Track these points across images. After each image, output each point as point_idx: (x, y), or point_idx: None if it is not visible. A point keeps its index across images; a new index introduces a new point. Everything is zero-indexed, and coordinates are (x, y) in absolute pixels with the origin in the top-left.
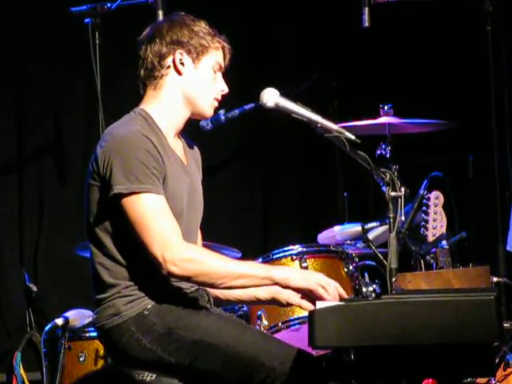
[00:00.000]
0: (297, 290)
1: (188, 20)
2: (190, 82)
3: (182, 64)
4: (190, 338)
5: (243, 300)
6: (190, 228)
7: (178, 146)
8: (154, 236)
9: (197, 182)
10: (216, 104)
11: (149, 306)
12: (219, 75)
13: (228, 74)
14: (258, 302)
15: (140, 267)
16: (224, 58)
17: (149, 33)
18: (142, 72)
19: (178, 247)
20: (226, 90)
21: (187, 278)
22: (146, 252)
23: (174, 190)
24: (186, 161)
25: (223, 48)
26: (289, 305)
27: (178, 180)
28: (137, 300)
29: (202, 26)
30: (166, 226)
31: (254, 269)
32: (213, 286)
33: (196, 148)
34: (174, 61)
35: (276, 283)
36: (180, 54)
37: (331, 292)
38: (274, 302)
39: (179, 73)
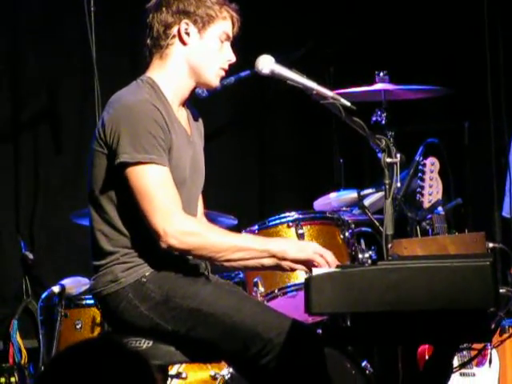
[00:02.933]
0: (294, 261)
1: None
2: (196, 52)
3: (188, 34)
4: (187, 307)
5: (248, 266)
6: (191, 197)
7: (182, 115)
8: (155, 208)
9: (199, 151)
10: (222, 73)
11: (147, 274)
12: (226, 44)
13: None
14: (262, 268)
15: (140, 236)
16: (232, 28)
17: (156, 1)
18: (148, 40)
19: (178, 220)
20: (233, 59)
21: (186, 251)
22: (146, 223)
23: (178, 159)
24: (190, 130)
25: (231, 17)
26: (292, 270)
27: (182, 150)
28: (135, 267)
29: None
30: (168, 198)
31: (252, 242)
32: (211, 259)
33: (200, 118)
34: (179, 30)
35: (273, 256)
36: (186, 24)
37: (330, 259)
38: (277, 267)
39: (184, 43)
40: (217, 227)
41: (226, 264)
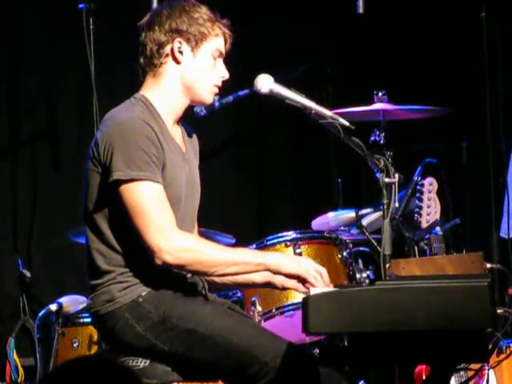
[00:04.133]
0: (288, 275)
1: (188, 6)
2: (189, 71)
3: (181, 53)
4: (183, 328)
5: (239, 283)
6: (187, 215)
7: (176, 133)
8: (150, 225)
9: (194, 169)
10: (216, 90)
11: (144, 294)
12: (220, 61)
13: (223, 60)
14: (253, 286)
15: (136, 254)
16: (225, 44)
17: (148, 19)
18: (141, 59)
19: (172, 236)
20: (226, 75)
21: (181, 267)
22: (140, 240)
23: (173, 177)
24: (185, 148)
25: (223, 34)
26: (284, 288)
27: (177, 167)
28: (132, 287)
29: (202, 12)
30: (162, 215)
31: (248, 256)
32: (206, 274)
33: (194, 135)
34: (172, 49)
35: (268, 269)
36: (179, 43)
37: (324, 279)
38: (269, 285)
39: (178, 61)
40: (211, 242)
41: (220, 278)
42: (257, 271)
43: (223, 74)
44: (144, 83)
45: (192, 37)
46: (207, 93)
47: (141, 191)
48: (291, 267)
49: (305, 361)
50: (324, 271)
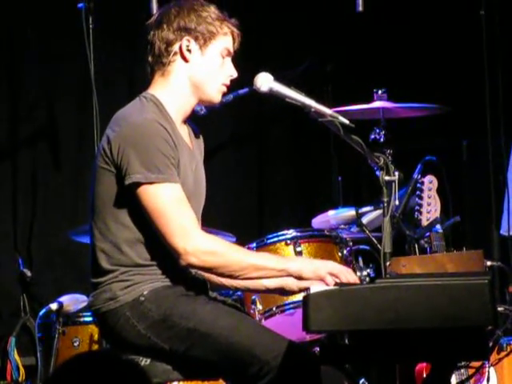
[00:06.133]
0: (310, 280)
1: (197, 5)
2: (198, 69)
3: (189, 51)
4: (185, 326)
5: (250, 288)
6: (195, 213)
7: (184, 131)
8: (174, 227)
9: (201, 167)
10: (224, 89)
11: (145, 292)
12: (228, 60)
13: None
14: (265, 291)
15: (140, 255)
16: (233, 43)
17: (157, 18)
18: (149, 58)
19: (198, 238)
20: (234, 74)
21: (206, 269)
22: (165, 242)
23: (184, 176)
24: (192, 146)
25: (232, 33)
26: (301, 290)
27: (187, 167)
28: (133, 285)
29: (210, 11)
30: (185, 216)
31: (272, 261)
32: (231, 276)
33: (200, 135)
34: (180, 47)
35: (290, 275)
36: (187, 41)
37: (349, 278)
38: (282, 290)
39: (186, 60)
40: (235, 245)
41: (242, 281)
42: (279, 276)
43: (232, 72)
44: (153, 82)
45: (200, 35)
46: (215, 92)
47: (162, 194)
48: (311, 273)
49: (306, 360)
50: (344, 272)
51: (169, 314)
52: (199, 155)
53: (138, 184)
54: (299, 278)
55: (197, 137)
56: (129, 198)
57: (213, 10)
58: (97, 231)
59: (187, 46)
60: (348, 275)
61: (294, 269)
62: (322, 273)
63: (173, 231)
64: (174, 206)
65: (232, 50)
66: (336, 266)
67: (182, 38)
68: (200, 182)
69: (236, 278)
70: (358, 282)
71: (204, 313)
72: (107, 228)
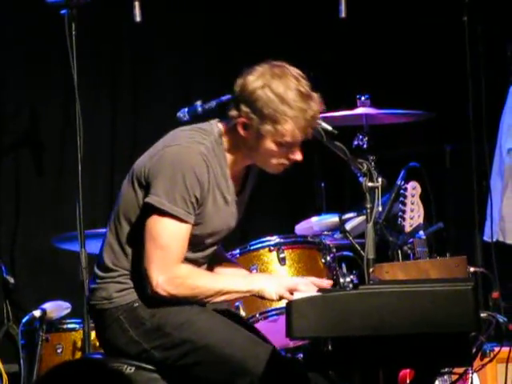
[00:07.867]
0: (271, 299)
1: (288, 90)
2: (251, 148)
3: (247, 128)
4: (177, 336)
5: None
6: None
7: (238, 174)
8: (157, 256)
9: (242, 204)
10: (282, 168)
11: (139, 299)
12: (295, 145)
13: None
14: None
15: (141, 264)
16: (308, 127)
17: (249, 77)
18: (246, 103)
19: (172, 273)
20: (298, 159)
21: (172, 297)
22: (143, 262)
23: (211, 218)
24: (242, 190)
25: (312, 117)
26: (281, 298)
27: (222, 211)
28: (129, 289)
29: (294, 94)
30: (174, 252)
31: (238, 284)
32: (198, 302)
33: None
34: (240, 119)
35: (254, 295)
36: (249, 120)
37: (305, 289)
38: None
39: (243, 133)
40: (205, 272)
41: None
42: (244, 296)
43: (295, 157)
44: (229, 120)
45: (269, 119)
46: (272, 170)
47: (165, 225)
48: (272, 293)
49: (297, 375)
50: (305, 281)
51: (162, 322)
52: (247, 193)
53: (152, 206)
54: (261, 297)
55: (252, 178)
56: (144, 212)
57: (299, 90)
58: (113, 227)
59: (246, 123)
60: (305, 287)
61: (256, 290)
62: (281, 291)
63: (154, 259)
64: (170, 240)
65: (301, 137)
66: (291, 280)
67: (247, 115)
68: (233, 225)
69: (203, 302)
70: (323, 284)
71: (198, 323)
72: (122, 229)
